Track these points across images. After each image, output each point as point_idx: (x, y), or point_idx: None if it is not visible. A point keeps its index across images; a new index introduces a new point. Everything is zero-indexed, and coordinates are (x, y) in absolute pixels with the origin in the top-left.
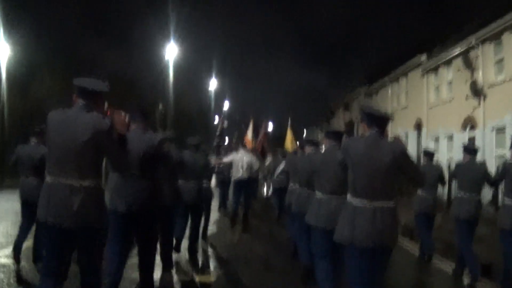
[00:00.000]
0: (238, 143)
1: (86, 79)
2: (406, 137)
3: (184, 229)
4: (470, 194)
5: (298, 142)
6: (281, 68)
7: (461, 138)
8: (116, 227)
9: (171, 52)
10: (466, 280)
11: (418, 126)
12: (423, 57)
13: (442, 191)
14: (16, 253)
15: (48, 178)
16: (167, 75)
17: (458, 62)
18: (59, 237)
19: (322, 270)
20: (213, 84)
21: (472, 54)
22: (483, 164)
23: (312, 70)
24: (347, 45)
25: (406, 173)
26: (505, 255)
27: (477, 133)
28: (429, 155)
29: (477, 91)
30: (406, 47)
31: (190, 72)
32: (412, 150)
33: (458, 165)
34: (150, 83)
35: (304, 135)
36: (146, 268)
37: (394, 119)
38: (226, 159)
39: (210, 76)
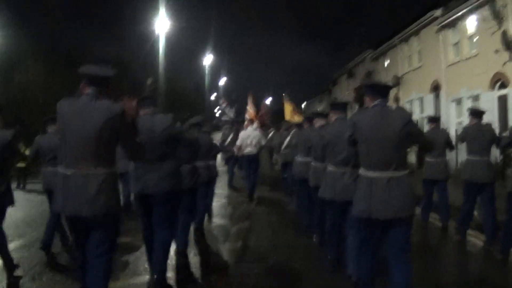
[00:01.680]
0: (237, 120)
1: (93, 66)
2: (421, 101)
3: (203, 210)
4: (480, 157)
5: (303, 115)
6: (280, 41)
7: (490, 97)
8: (142, 211)
9: (161, 26)
10: (456, 236)
11: (435, 89)
12: (438, 12)
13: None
14: (47, 245)
15: (62, 169)
16: (157, 50)
17: (482, 12)
18: (79, 226)
19: (335, 244)
20: (208, 59)
21: (498, 2)
22: (490, 126)
23: (312, 41)
24: (349, 12)
25: (415, 140)
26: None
27: (510, 91)
28: (435, 120)
29: (509, 44)
30: (417, 3)
31: (184, 47)
32: (429, 114)
33: (466, 129)
34: (142, 61)
35: (303, 106)
36: (163, 249)
37: (406, 83)
38: (238, 142)
39: (205, 51)
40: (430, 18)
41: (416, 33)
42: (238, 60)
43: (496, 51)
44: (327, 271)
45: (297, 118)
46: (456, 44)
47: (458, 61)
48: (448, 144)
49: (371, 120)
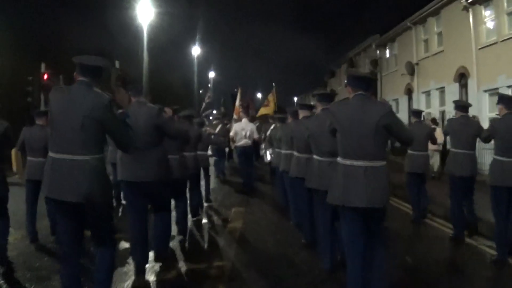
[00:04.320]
0: (226, 114)
1: (85, 56)
2: (443, 92)
3: (197, 196)
4: (464, 151)
5: (287, 109)
6: (274, 33)
7: None
8: (128, 198)
9: (145, 13)
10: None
11: (462, 77)
12: None
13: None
14: (31, 233)
15: (50, 154)
16: (141, 40)
17: None
18: (64, 211)
19: (326, 236)
20: (196, 51)
21: None
22: (475, 120)
23: (308, 33)
24: (349, 1)
25: (393, 133)
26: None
27: None
28: (417, 114)
29: None
30: None
31: (170, 38)
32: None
33: (450, 121)
34: (125, 53)
35: (295, 101)
36: (159, 236)
37: (422, 71)
38: (232, 133)
39: (193, 43)
40: None
41: (436, 12)
42: (229, 53)
43: None
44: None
45: (263, 110)
46: (490, 22)
47: (494, 43)
48: (431, 138)
49: (350, 111)
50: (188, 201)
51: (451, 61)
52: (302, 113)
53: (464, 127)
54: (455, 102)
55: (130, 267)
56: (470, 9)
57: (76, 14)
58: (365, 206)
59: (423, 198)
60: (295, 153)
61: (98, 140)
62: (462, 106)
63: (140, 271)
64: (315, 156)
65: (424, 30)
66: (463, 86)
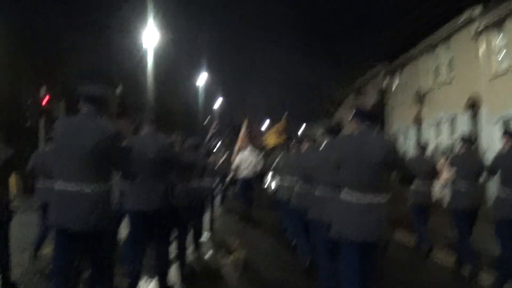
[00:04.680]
0: (230, 143)
1: (89, 86)
2: (452, 121)
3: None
4: (469, 185)
5: (293, 138)
6: (279, 62)
7: None
8: (131, 226)
9: (150, 38)
10: (465, 271)
11: (473, 105)
12: (476, 11)
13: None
14: (35, 256)
15: (57, 184)
16: (145, 65)
17: None
18: (69, 241)
19: (325, 268)
20: (202, 78)
21: None
22: (479, 154)
23: (316, 60)
24: (357, 26)
25: (395, 169)
26: (503, 245)
27: None
28: (422, 148)
29: None
30: (446, 4)
31: (176, 64)
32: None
33: (455, 155)
34: (129, 77)
35: (302, 129)
36: (160, 266)
37: (431, 100)
38: (235, 163)
39: (200, 70)
40: (465, 20)
41: (446, 39)
42: (235, 80)
43: None
44: None
45: (278, 140)
46: (502, 50)
47: (507, 72)
48: (434, 172)
49: (355, 144)
50: (192, 230)
51: (462, 90)
52: (305, 145)
53: (468, 161)
54: (462, 136)
55: None
56: (481, 36)
57: (80, 36)
58: (364, 240)
59: (425, 229)
60: (298, 184)
61: (104, 169)
62: (466, 139)
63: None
64: (318, 189)
65: (433, 57)
66: (474, 115)
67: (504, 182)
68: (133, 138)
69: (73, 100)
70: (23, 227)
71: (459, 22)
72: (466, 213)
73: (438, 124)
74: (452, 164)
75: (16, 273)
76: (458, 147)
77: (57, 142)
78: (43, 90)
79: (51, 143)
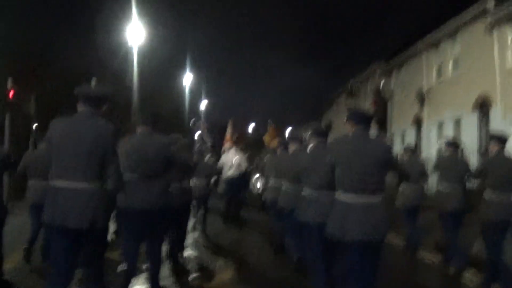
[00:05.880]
0: (215, 145)
1: (86, 86)
2: (458, 122)
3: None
4: (453, 187)
5: (279, 140)
6: (269, 62)
7: None
8: (127, 225)
9: (135, 36)
10: (452, 271)
11: (483, 105)
12: (490, 3)
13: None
14: (27, 254)
15: (53, 182)
16: (131, 64)
17: None
18: (66, 238)
19: (319, 271)
20: (188, 79)
21: None
22: (463, 158)
23: (306, 62)
24: (350, 28)
25: (393, 169)
26: (490, 247)
27: None
28: (411, 150)
29: None
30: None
31: (162, 64)
32: (472, 139)
33: (440, 158)
34: (114, 76)
35: (287, 133)
36: (153, 265)
37: (434, 99)
38: (219, 163)
39: (185, 70)
40: (476, 13)
41: (453, 34)
42: (222, 81)
43: None
44: None
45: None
46: None
47: None
48: (423, 175)
49: (351, 146)
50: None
51: (470, 88)
52: (292, 146)
53: (454, 164)
54: (446, 141)
55: None
56: (494, 30)
57: (64, 34)
58: (364, 240)
59: (415, 230)
60: (284, 185)
61: (100, 168)
62: (451, 144)
63: None
64: (305, 190)
65: (437, 54)
66: (484, 116)
67: (492, 185)
68: (130, 138)
69: (45, 94)
70: (12, 227)
71: (467, 16)
72: (453, 214)
73: (440, 125)
74: (437, 167)
75: (9, 270)
76: (443, 150)
77: (54, 141)
78: (9, 82)
79: (44, 143)
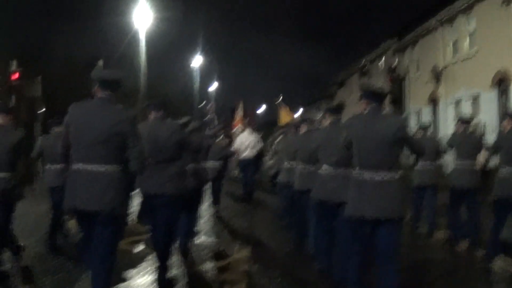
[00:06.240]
0: (226, 127)
1: (104, 71)
2: (476, 100)
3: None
4: (468, 163)
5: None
6: (279, 43)
7: None
8: (148, 210)
9: (142, 19)
10: (459, 249)
11: (501, 82)
12: None
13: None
14: (53, 241)
15: (74, 166)
16: (137, 46)
17: None
18: (88, 221)
19: (323, 242)
20: (197, 61)
21: None
22: (477, 135)
23: (315, 43)
24: (360, 8)
25: (407, 145)
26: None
27: None
28: (424, 129)
29: None
30: None
31: (170, 47)
32: (491, 116)
33: (454, 135)
34: (121, 60)
35: (299, 113)
36: (163, 249)
37: (449, 77)
38: (235, 145)
39: (195, 53)
40: None
41: (467, 9)
42: (231, 63)
43: None
44: (315, 279)
45: (287, 118)
46: None
47: None
48: (437, 153)
49: (365, 124)
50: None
51: (488, 64)
52: (303, 128)
53: (467, 141)
54: (459, 117)
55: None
56: (511, 4)
57: (66, 17)
58: (381, 217)
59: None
60: (300, 165)
61: (120, 151)
62: (464, 120)
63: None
64: (322, 168)
65: (452, 30)
66: (503, 92)
67: (506, 161)
68: (143, 124)
69: (52, 76)
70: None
71: None
72: (462, 191)
73: (457, 103)
74: (450, 144)
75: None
76: (456, 127)
77: (73, 126)
78: (13, 65)
79: (60, 127)
